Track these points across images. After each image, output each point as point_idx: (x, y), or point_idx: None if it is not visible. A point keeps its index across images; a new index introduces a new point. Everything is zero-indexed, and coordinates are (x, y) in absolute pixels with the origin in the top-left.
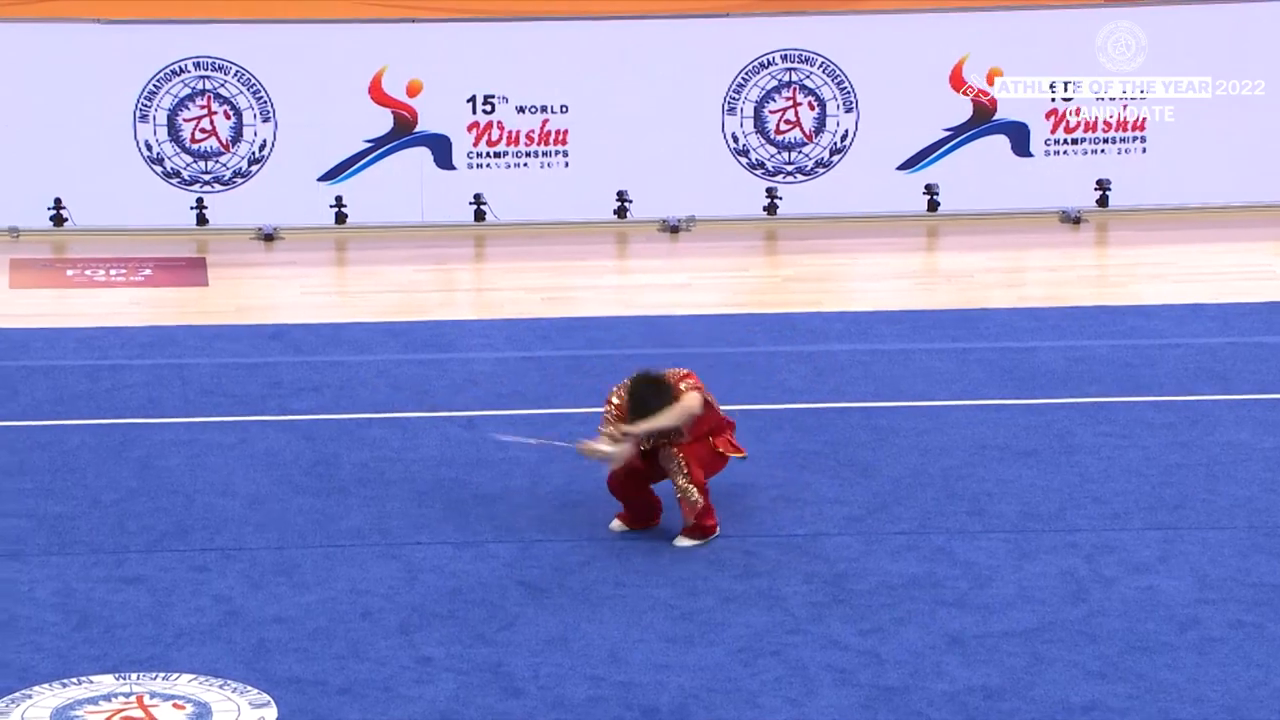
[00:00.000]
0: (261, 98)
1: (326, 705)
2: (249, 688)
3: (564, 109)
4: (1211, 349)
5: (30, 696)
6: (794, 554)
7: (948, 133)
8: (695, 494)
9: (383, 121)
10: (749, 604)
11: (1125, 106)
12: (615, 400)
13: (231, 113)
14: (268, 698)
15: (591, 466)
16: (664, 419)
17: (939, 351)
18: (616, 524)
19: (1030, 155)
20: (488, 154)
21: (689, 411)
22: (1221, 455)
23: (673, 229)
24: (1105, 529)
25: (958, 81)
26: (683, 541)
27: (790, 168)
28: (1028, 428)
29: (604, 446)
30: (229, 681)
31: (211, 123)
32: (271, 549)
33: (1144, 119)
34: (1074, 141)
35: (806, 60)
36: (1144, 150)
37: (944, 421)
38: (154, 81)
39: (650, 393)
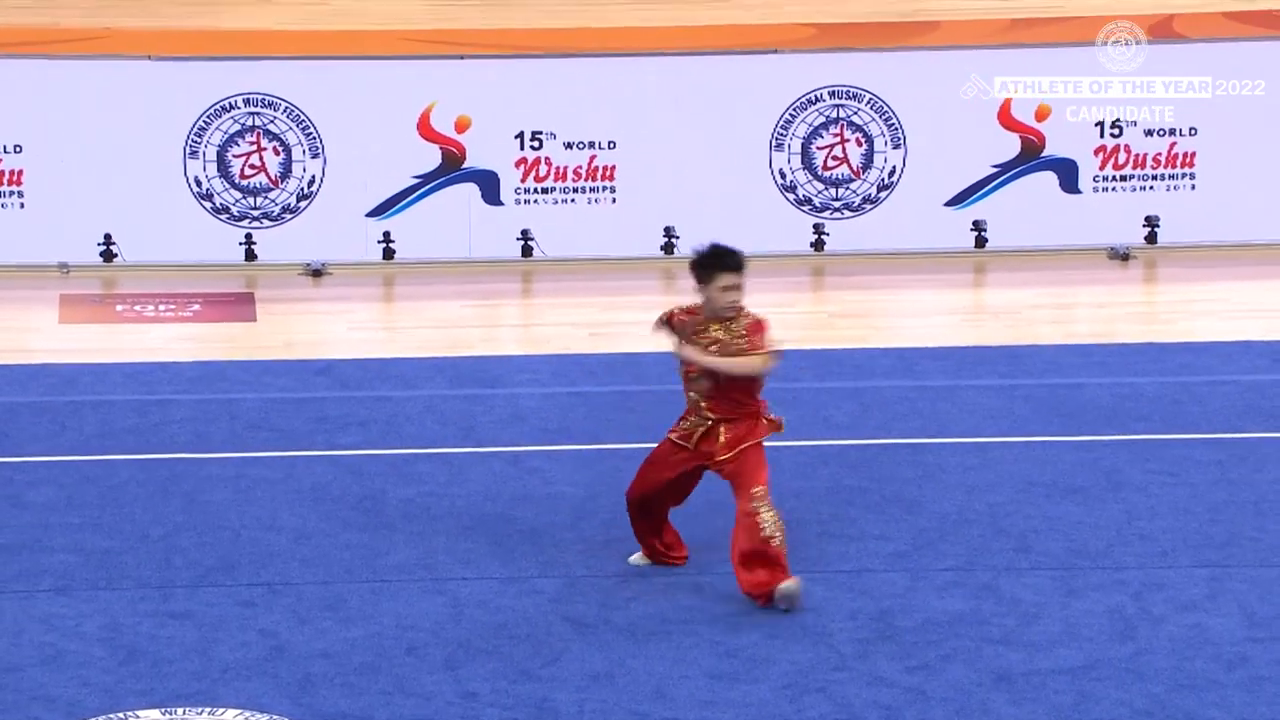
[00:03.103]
0: (310, 134)
1: None
2: None
3: (611, 145)
4: (1261, 386)
5: None
6: (839, 590)
7: (996, 169)
8: (776, 531)
9: (431, 157)
10: (794, 640)
11: (1175, 144)
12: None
13: (280, 149)
14: None
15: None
16: (739, 366)
17: (986, 388)
18: (637, 557)
19: (1079, 192)
20: (535, 190)
21: (758, 369)
22: (1270, 493)
23: None
24: (1153, 566)
25: (1006, 118)
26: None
27: (837, 204)
28: (1075, 465)
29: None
30: (275, 716)
31: (261, 159)
32: (318, 584)
33: (1194, 154)
34: (1123, 178)
35: (854, 96)
36: (1193, 186)
37: (990, 458)
38: (204, 118)
39: (729, 248)
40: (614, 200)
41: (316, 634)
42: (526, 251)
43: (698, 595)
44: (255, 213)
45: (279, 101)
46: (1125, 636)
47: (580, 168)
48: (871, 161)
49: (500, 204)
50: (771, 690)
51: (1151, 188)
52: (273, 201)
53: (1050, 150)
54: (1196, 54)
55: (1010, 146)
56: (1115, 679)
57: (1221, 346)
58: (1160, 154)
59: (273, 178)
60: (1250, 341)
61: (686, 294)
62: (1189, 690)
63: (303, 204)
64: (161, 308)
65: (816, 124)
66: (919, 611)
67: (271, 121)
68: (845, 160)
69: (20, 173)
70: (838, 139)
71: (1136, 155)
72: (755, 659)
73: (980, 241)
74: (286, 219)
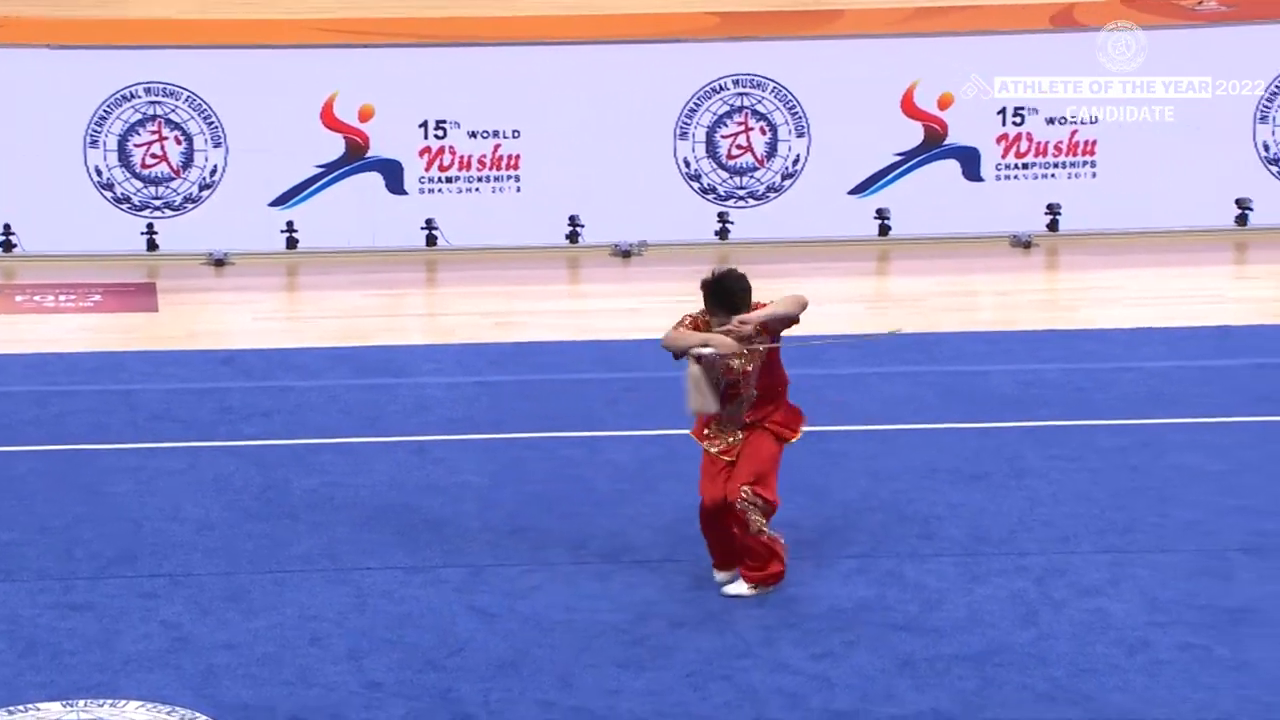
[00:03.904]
0: (212, 123)
1: None
2: (197, 714)
3: (516, 134)
4: (1161, 373)
5: None
6: None
7: (899, 157)
8: (764, 524)
9: (334, 147)
10: (699, 628)
11: (1076, 131)
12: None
13: (182, 138)
14: None
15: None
16: (779, 307)
17: (890, 375)
18: (722, 576)
19: (981, 180)
20: (439, 179)
21: (802, 302)
22: (1171, 478)
23: (624, 253)
24: (1055, 552)
25: (910, 106)
26: (739, 589)
27: (742, 192)
28: (978, 451)
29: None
30: (177, 708)
31: (162, 148)
32: (220, 575)
33: (1095, 143)
34: (1024, 166)
35: (758, 85)
36: (1094, 174)
37: (895, 445)
38: (104, 107)
39: (737, 283)
40: (518, 189)
41: (219, 625)
42: (431, 241)
43: (603, 583)
44: (157, 202)
45: (180, 90)
46: (1027, 622)
47: (484, 156)
48: (776, 150)
49: (404, 193)
50: (677, 678)
51: (1053, 175)
52: (174, 191)
53: (953, 139)
54: (1097, 44)
55: (913, 135)
56: (1017, 664)
57: (1123, 334)
58: (1061, 142)
59: (174, 167)
60: (1151, 328)
61: (590, 283)
62: (1090, 675)
63: (205, 193)
64: (62, 298)
65: (721, 113)
66: (824, 598)
67: (173, 110)
68: (749, 149)
69: None
70: (742, 127)
71: (1038, 143)
72: (660, 647)
73: (884, 230)
74: (188, 208)
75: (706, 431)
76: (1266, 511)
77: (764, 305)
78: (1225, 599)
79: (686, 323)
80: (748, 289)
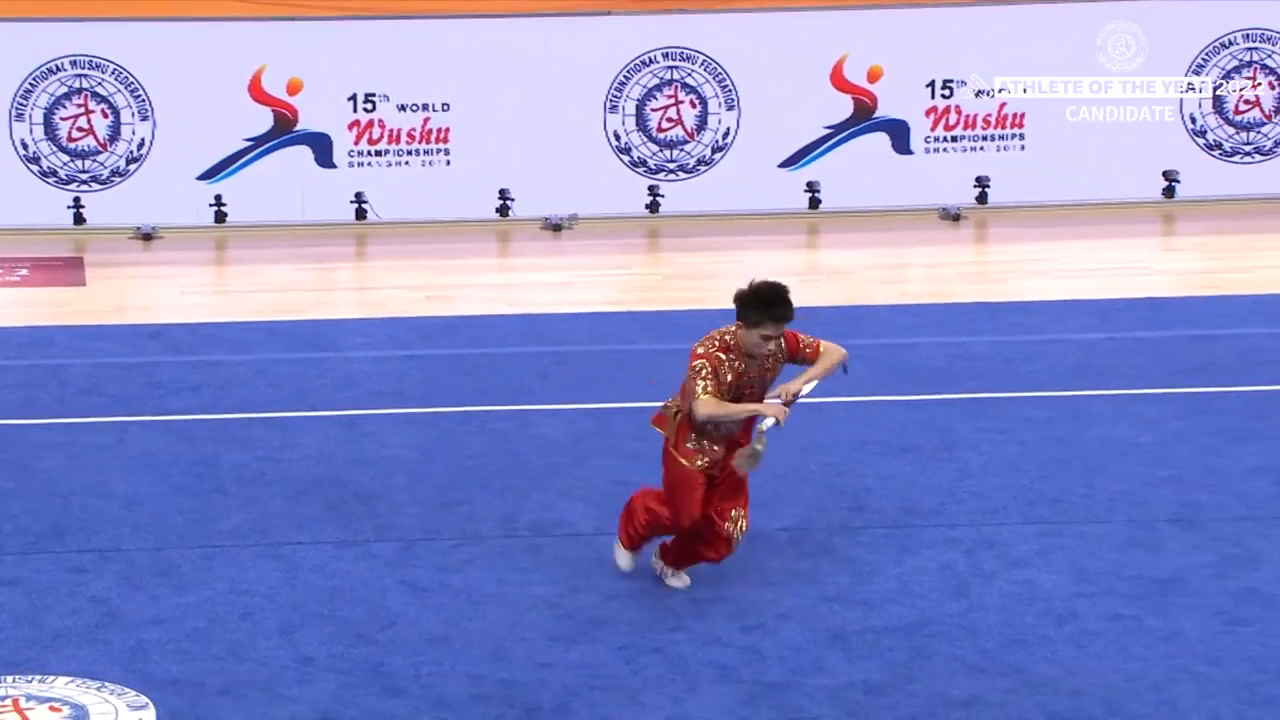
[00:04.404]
0: (140, 96)
1: (206, 706)
2: (127, 690)
3: (445, 107)
4: (1090, 345)
5: None
6: None
7: (829, 130)
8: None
9: (263, 120)
10: (631, 602)
11: (1004, 104)
12: (714, 346)
13: (109, 111)
14: (146, 700)
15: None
16: (829, 367)
17: None
18: (679, 581)
19: (910, 152)
20: (369, 152)
21: (845, 361)
22: (1099, 450)
23: (555, 227)
24: (984, 524)
25: (839, 79)
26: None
27: (672, 165)
28: (908, 424)
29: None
30: (107, 684)
31: (89, 121)
32: (150, 550)
33: (1024, 116)
34: (954, 139)
35: (688, 58)
36: (1023, 147)
37: (825, 418)
38: (30, 80)
39: (783, 292)
40: (448, 163)
41: (149, 600)
42: (360, 214)
43: (535, 557)
44: (84, 176)
45: (107, 63)
46: (957, 593)
47: (414, 130)
48: (706, 123)
49: (333, 166)
50: (609, 651)
51: (982, 148)
52: (101, 164)
53: (882, 112)
54: (1002, 16)
55: (843, 108)
56: (947, 635)
57: (1051, 305)
58: (990, 115)
59: (101, 140)
60: (1079, 300)
61: (520, 256)
62: (1019, 645)
63: (132, 167)
64: None
65: (651, 86)
66: (755, 571)
67: (99, 84)
68: (679, 122)
69: None
70: (672, 101)
71: (967, 116)
72: (592, 620)
73: (814, 202)
74: (116, 182)
75: (690, 445)
76: (1194, 482)
77: (796, 334)
78: (1154, 570)
79: (717, 344)
80: (776, 315)
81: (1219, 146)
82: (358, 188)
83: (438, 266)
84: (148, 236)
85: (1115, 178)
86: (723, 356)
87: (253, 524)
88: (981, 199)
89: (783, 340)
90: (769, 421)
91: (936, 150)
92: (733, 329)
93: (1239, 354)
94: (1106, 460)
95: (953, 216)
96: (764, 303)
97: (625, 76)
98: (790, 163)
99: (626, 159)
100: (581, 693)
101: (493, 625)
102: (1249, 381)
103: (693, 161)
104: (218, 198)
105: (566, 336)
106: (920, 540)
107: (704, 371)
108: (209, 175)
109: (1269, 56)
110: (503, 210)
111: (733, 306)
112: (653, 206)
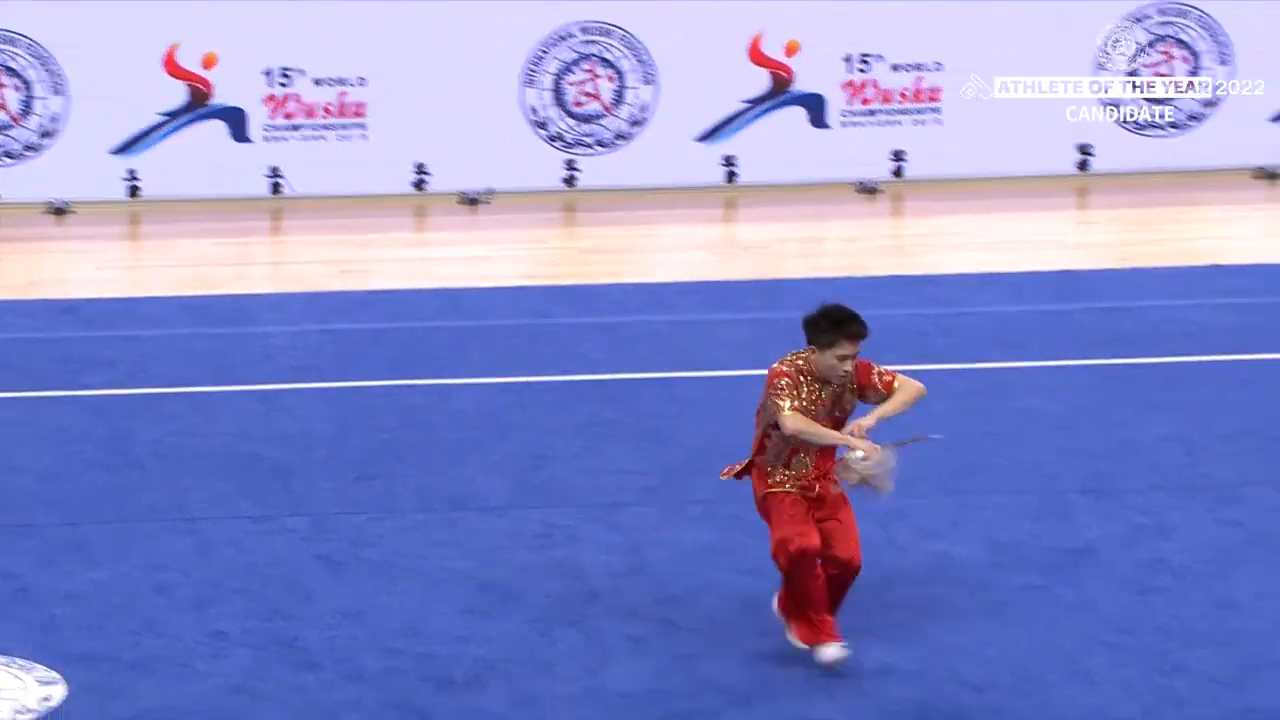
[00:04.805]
0: (53, 70)
1: (118, 681)
2: (37, 665)
3: (362, 81)
4: (1004, 317)
5: None
6: (593, 524)
7: (746, 105)
8: None
9: (177, 94)
10: (547, 574)
11: (921, 79)
12: (792, 366)
13: (21, 85)
14: (56, 675)
15: None
16: (906, 402)
17: (737, 322)
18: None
19: (827, 126)
20: (284, 126)
21: (922, 391)
22: (1013, 422)
23: (471, 201)
24: (898, 495)
25: (756, 54)
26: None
27: (589, 140)
28: None
29: (867, 458)
30: (16, 659)
31: (1, 95)
32: (63, 525)
33: (940, 90)
34: (870, 113)
35: (606, 33)
36: (939, 122)
37: (742, 391)
38: None
39: (855, 313)
40: (365, 137)
41: (62, 576)
42: (276, 189)
43: (451, 531)
44: None
45: (19, 37)
46: (871, 564)
47: (330, 104)
48: (623, 97)
49: (249, 141)
50: (524, 624)
51: (899, 122)
52: (13, 139)
53: (799, 86)
54: None
55: (760, 82)
56: (861, 606)
57: (966, 279)
58: (907, 89)
59: (13, 114)
60: (994, 273)
61: (437, 230)
62: (932, 616)
63: (45, 141)
64: None
65: (568, 60)
66: (671, 544)
67: (12, 58)
68: (597, 96)
69: None
70: (589, 75)
71: (884, 90)
72: (508, 593)
73: (731, 176)
74: (28, 156)
75: (772, 475)
76: (1106, 454)
77: (871, 365)
78: (1066, 540)
79: (788, 372)
80: (851, 331)
81: (1133, 120)
82: (273, 162)
83: (354, 241)
84: (60, 211)
85: (1030, 151)
86: (801, 378)
87: (168, 499)
88: (898, 173)
89: (853, 369)
90: (857, 454)
91: (853, 124)
92: (805, 353)
93: (1150, 326)
94: (1020, 431)
95: (869, 190)
96: (837, 321)
97: (542, 51)
98: (708, 137)
99: (543, 133)
100: (496, 665)
101: (408, 599)
102: (1160, 353)
103: (610, 136)
104: (131, 172)
105: (483, 310)
106: None
107: (785, 385)
108: (123, 149)
109: (1181, 31)
110: (419, 184)
111: (631, 281)
112: (570, 181)
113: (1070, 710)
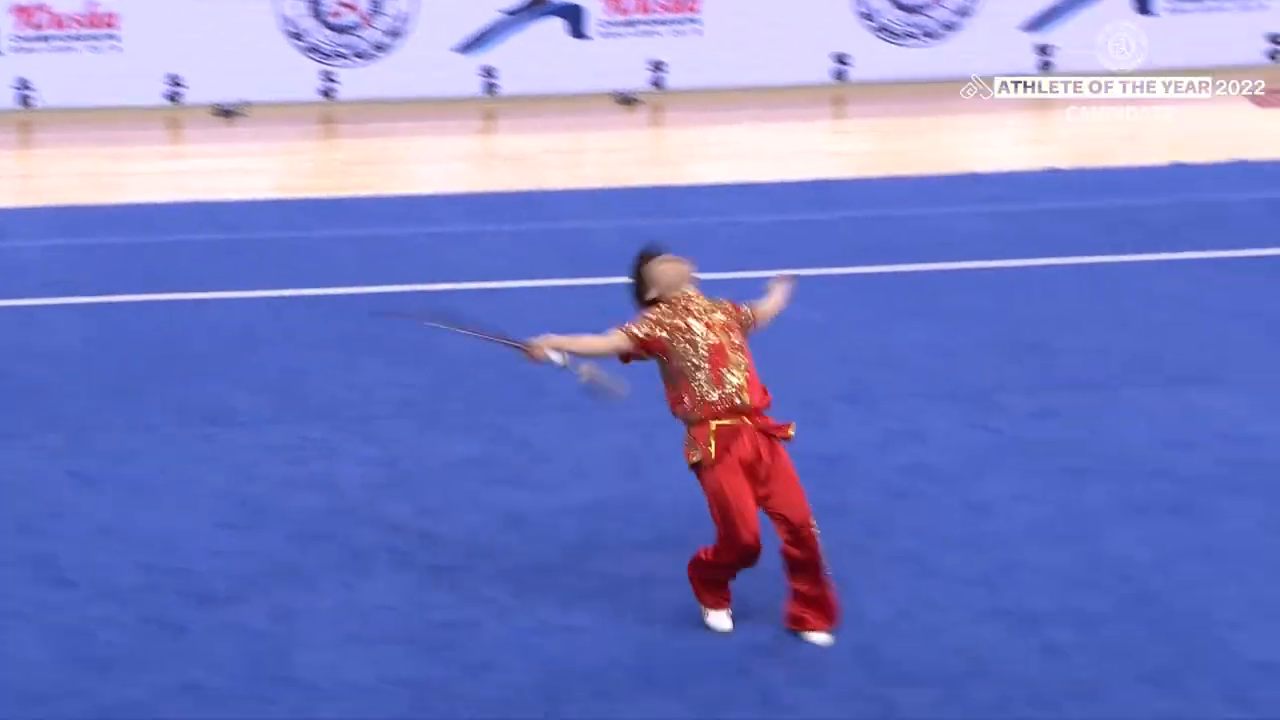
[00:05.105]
0: None
1: None
2: None
3: None
4: (763, 227)
5: None
6: (350, 438)
7: (505, 15)
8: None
9: None
10: (304, 488)
11: None
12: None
13: None
14: None
15: None
16: (585, 344)
17: (499, 233)
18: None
19: (587, 37)
20: (33, 38)
21: (603, 349)
22: (772, 330)
23: (226, 113)
24: (660, 404)
25: None
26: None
27: (347, 51)
28: (586, 307)
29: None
30: None
31: None
32: None
33: (700, 1)
34: (629, 23)
35: None
36: (699, 32)
37: (504, 302)
38: None
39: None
40: (117, 48)
41: None
42: (25, 101)
43: (207, 445)
44: None
45: None
46: (633, 474)
47: (80, 15)
48: (381, 8)
49: None
50: (281, 538)
51: (658, 33)
52: None
53: None
54: None
55: None
56: (622, 516)
57: (725, 189)
58: (667, 0)
59: None
60: (753, 184)
61: (192, 143)
62: (691, 523)
63: None
64: None
65: None
66: (432, 455)
67: None
68: (354, 7)
69: None
70: None
71: (643, 1)
72: (264, 508)
73: (491, 88)
74: None
75: (714, 435)
76: (863, 361)
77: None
78: (822, 446)
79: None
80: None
81: (888, 30)
82: (22, 74)
83: (107, 154)
84: None
85: (788, 62)
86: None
87: None
88: (657, 84)
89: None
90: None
91: (612, 35)
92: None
93: (906, 235)
94: (778, 341)
95: (629, 101)
96: (648, 252)
97: None
98: (467, 48)
99: (300, 44)
100: (255, 580)
101: (164, 515)
102: (916, 261)
103: (368, 47)
104: None
105: (239, 224)
106: (597, 422)
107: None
108: None
109: None
110: (173, 97)
111: (391, 193)
112: (327, 93)
113: None
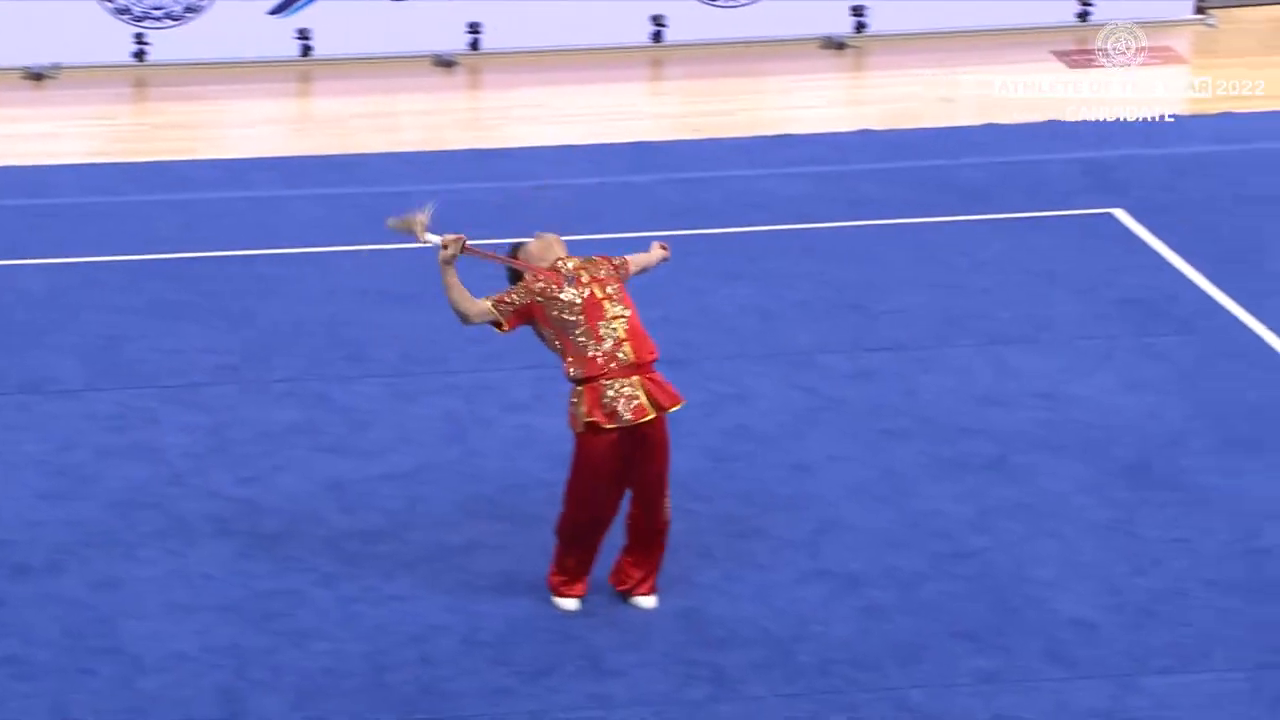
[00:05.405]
0: None
1: None
2: None
3: None
4: (583, 189)
5: None
6: (171, 405)
7: None
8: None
9: None
10: (126, 457)
11: None
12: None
13: None
14: None
15: None
16: (459, 295)
17: (315, 198)
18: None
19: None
20: None
21: (471, 310)
22: None
23: (36, 76)
24: (484, 369)
25: None
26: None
27: (159, 13)
28: (406, 272)
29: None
30: None
31: None
32: None
33: None
34: None
35: None
36: None
37: (322, 268)
38: None
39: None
40: None
41: None
42: None
43: (22, 414)
44: None
45: None
46: (455, 439)
47: None
48: None
49: None
50: (102, 508)
51: None
52: None
53: None
54: None
55: None
56: (445, 481)
57: (544, 151)
58: None
59: None
60: (572, 146)
61: (5, 107)
62: (517, 489)
63: None
64: None
65: None
66: (252, 423)
67: None
68: None
69: None
70: None
71: None
72: (85, 477)
73: (306, 50)
74: None
75: (599, 396)
76: (685, 323)
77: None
78: None
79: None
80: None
81: None
82: None
83: None
84: None
85: (605, 24)
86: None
87: None
88: (474, 45)
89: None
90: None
91: None
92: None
93: (724, 197)
94: None
95: (445, 63)
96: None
97: None
98: (281, 9)
99: (110, 5)
100: (75, 550)
101: None
102: (735, 224)
103: (180, 8)
104: None
105: (51, 189)
106: (420, 387)
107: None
108: None
109: None
110: None
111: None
112: (139, 55)
113: None
